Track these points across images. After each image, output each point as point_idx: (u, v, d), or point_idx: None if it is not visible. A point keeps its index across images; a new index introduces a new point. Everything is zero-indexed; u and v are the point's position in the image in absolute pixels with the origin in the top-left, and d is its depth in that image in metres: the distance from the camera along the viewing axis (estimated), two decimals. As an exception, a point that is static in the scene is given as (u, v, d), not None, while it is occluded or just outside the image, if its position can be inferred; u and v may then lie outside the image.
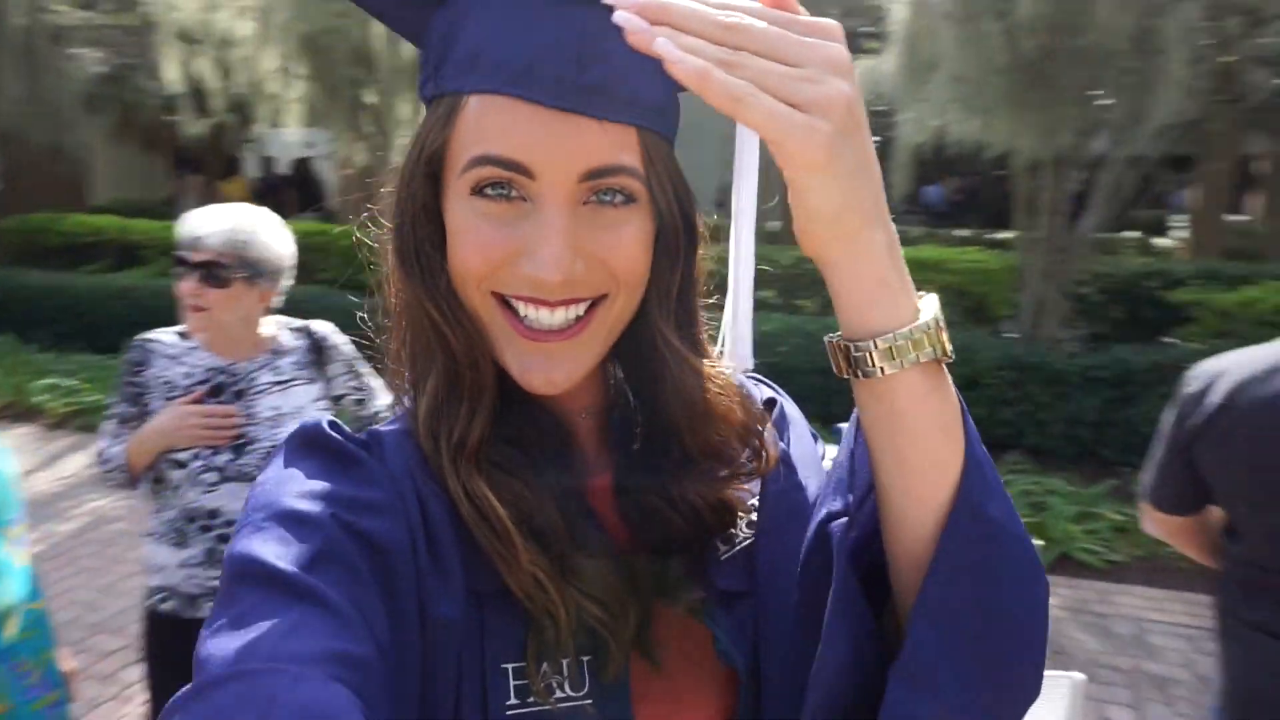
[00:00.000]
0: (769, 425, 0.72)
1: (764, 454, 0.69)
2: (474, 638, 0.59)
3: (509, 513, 0.59)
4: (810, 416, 0.82)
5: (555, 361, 0.60)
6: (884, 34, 5.40)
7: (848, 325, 0.54)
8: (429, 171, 0.62)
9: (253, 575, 0.51)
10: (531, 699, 0.58)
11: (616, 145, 0.58)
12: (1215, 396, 1.63)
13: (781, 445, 0.74)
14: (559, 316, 0.59)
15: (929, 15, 4.93)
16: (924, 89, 5.13)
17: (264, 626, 0.47)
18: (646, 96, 0.59)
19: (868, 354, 0.52)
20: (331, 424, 0.63)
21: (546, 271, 0.56)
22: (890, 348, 0.52)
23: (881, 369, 0.52)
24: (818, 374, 3.04)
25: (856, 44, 5.91)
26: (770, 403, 0.77)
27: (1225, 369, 1.67)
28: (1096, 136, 5.23)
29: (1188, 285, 6.66)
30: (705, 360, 0.68)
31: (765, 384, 0.81)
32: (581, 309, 0.60)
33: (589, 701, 0.59)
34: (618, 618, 0.60)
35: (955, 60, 4.76)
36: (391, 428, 0.67)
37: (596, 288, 0.60)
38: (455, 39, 0.59)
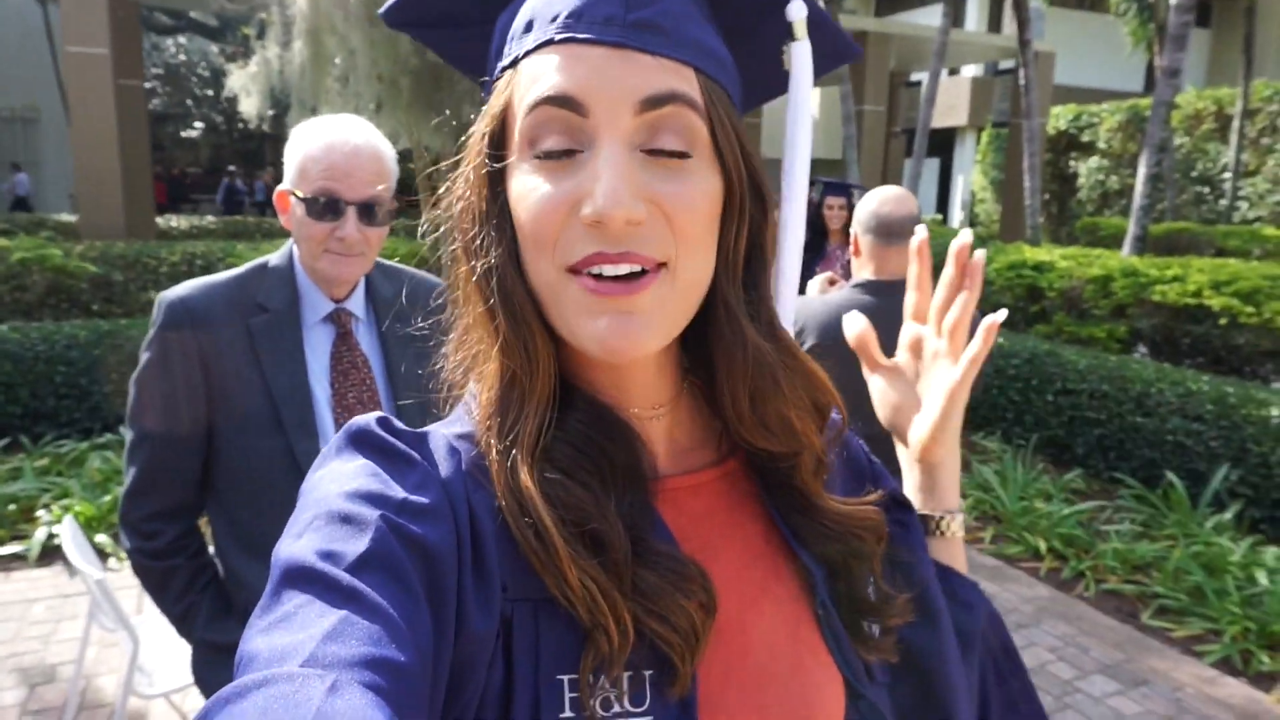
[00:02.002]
0: (834, 419, 0.70)
1: (823, 453, 0.68)
2: (529, 646, 0.56)
3: (566, 517, 0.56)
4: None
5: (632, 321, 0.56)
6: (289, 24, 5.63)
7: (937, 504, 0.80)
8: (493, 144, 0.60)
9: (299, 576, 0.50)
10: (587, 713, 0.55)
11: (674, 77, 0.56)
12: (805, 338, 2.24)
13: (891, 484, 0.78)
14: (623, 270, 0.55)
15: (332, 12, 5.24)
16: (326, 82, 5.49)
17: (307, 628, 0.46)
18: (702, 41, 0.58)
19: (951, 521, 0.80)
20: (382, 421, 0.60)
21: (603, 206, 0.52)
22: (960, 518, 0.80)
23: (954, 531, 0.80)
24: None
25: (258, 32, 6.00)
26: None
27: (803, 316, 2.25)
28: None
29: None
30: (777, 337, 0.65)
31: None
32: (645, 269, 0.56)
33: (649, 719, 0.56)
34: (683, 634, 0.56)
35: (367, 58, 5.12)
36: (449, 427, 0.64)
37: (657, 247, 0.55)
38: (509, 25, 0.60)
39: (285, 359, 1.57)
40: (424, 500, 0.55)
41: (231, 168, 17.63)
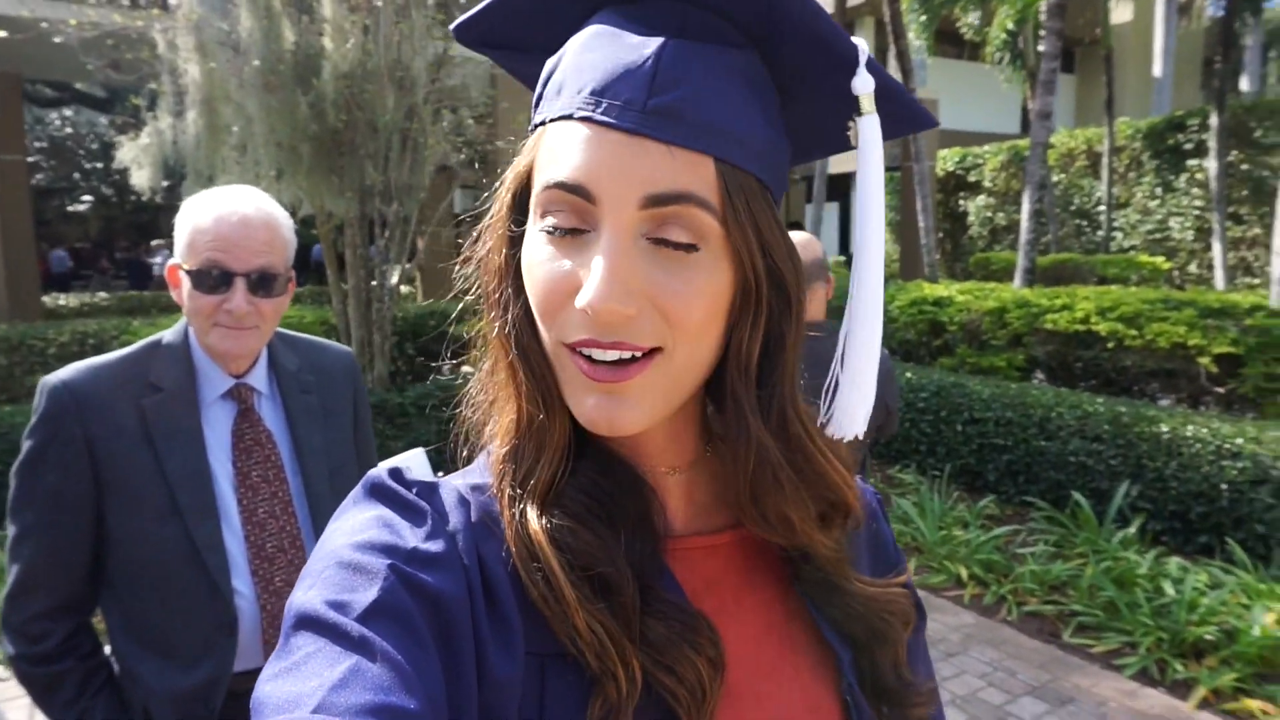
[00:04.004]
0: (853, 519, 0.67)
1: (831, 550, 0.65)
2: (534, 701, 0.56)
3: (574, 562, 0.56)
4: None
5: (618, 402, 0.56)
6: (181, 93, 5.68)
7: None
8: (515, 203, 0.61)
9: (310, 624, 0.51)
10: None
11: (685, 173, 0.54)
12: None
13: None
14: (612, 356, 0.55)
15: (227, 80, 5.37)
16: (223, 151, 5.59)
17: (317, 676, 0.47)
18: (729, 127, 0.55)
19: None
20: (394, 473, 0.62)
21: (592, 300, 0.52)
22: None
23: None
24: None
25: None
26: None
27: None
28: (386, 200, 5.96)
29: (464, 322, 7.38)
30: (789, 435, 0.61)
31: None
32: (636, 355, 0.56)
33: None
34: (689, 687, 0.56)
35: (265, 126, 5.24)
36: (463, 477, 0.65)
37: (649, 338, 0.55)
38: (550, 78, 0.60)
39: (181, 440, 1.50)
40: (434, 550, 0.56)
41: (157, 241, 16.80)
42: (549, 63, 0.61)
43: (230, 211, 1.49)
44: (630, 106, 0.54)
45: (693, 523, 0.66)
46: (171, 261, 1.53)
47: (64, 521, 1.45)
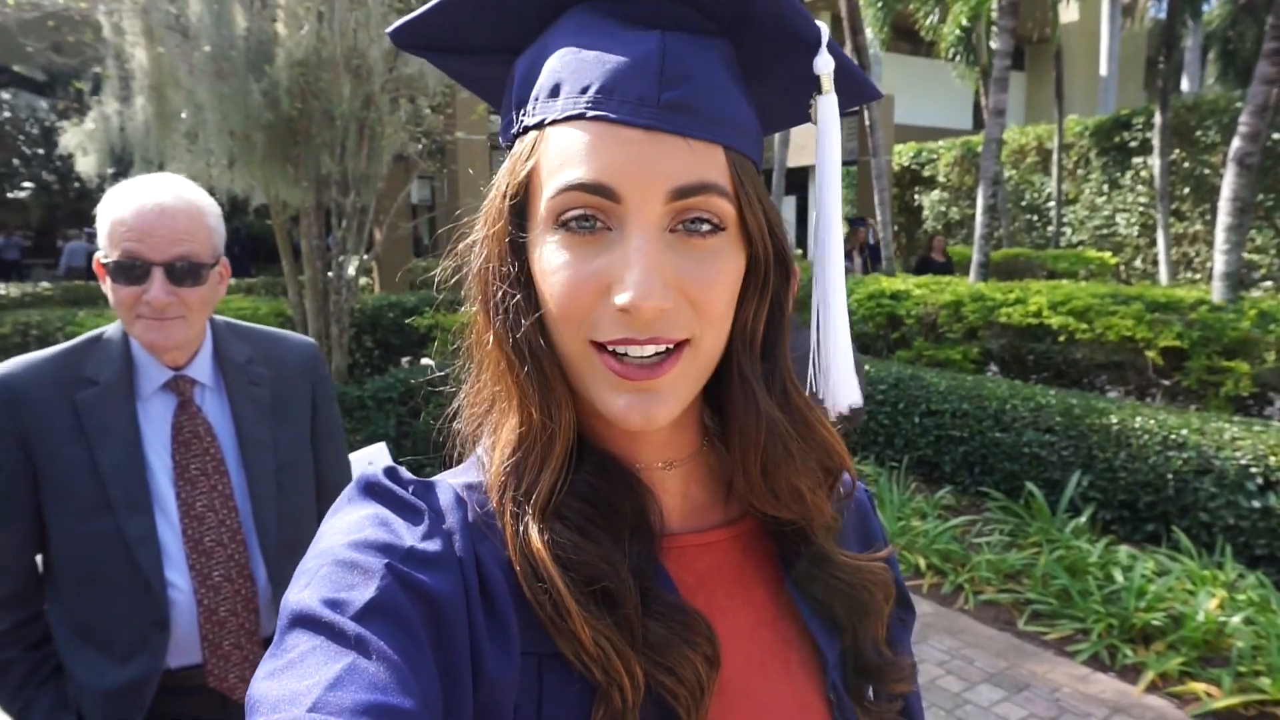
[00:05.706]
0: (843, 485, 0.70)
1: (833, 519, 0.68)
2: (531, 702, 0.56)
3: (577, 577, 0.57)
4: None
5: (650, 398, 0.56)
6: (128, 78, 5.49)
7: None
8: (514, 210, 0.60)
9: (306, 622, 0.50)
10: None
11: (704, 163, 0.55)
12: None
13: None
14: (649, 351, 0.56)
15: (176, 66, 5.25)
16: (173, 138, 5.48)
17: (313, 674, 0.47)
18: (731, 115, 0.58)
19: None
20: (390, 472, 0.61)
21: (635, 297, 0.52)
22: None
23: None
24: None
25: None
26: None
27: None
28: (343, 190, 5.84)
29: (422, 313, 7.26)
30: (792, 405, 0.64)
31: None
32: (670, 348, 0.57)
33: None
34: (689, 686, 0.57)
35: (217, 113, 5.13)
36: (458, 476, 0.65)
37: (682, 329, 0.56)
38: (535, 77, 0.58)
39: (115, 433, 1.48)
40: (430, 549, 0.56)
41: (73, 230, 16.32)
42: (520, 64, 0.61)
43: (147, 201, 1.46)
44: (645, 103, 0.55)
45: (687, 520, 0.67)
46: (97, 255, 1.50)
47: (2, 516, 1.43)
